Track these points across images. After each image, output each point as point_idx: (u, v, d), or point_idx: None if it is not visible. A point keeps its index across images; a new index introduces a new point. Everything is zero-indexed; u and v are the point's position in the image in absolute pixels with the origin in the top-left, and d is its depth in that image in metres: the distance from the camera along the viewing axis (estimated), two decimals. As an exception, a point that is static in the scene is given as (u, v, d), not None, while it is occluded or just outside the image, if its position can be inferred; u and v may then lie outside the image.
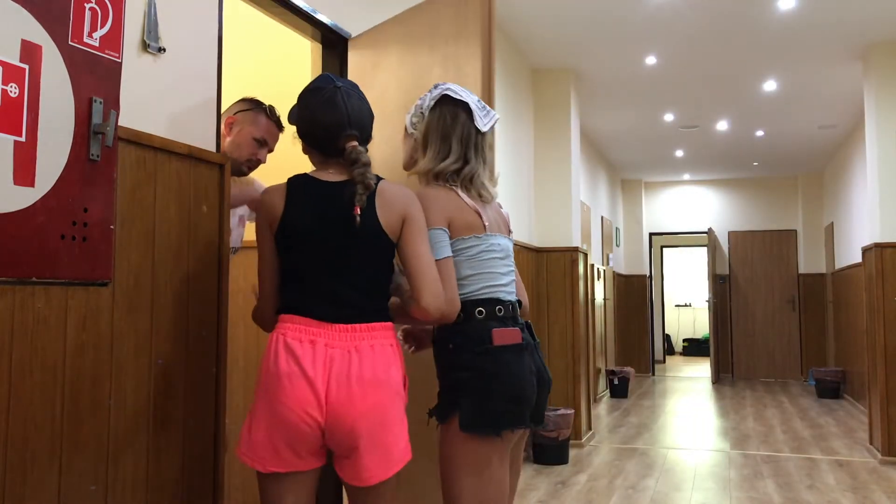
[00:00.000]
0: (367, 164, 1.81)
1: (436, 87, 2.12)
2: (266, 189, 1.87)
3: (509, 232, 2.16)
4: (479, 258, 1.99)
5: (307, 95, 1.89)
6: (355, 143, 1.84)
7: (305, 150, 1.94)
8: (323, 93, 1.86)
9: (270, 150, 2.59)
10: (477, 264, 1.99)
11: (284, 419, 1.67)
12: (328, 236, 1.77)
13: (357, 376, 1.68)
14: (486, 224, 2.02)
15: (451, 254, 1.94)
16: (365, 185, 1.78)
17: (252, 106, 2.54)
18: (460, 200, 2.01)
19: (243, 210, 2.61)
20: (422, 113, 2.11)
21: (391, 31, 2.92)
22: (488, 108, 2.15)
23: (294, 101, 2.68)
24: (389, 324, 1.80)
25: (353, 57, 3.08)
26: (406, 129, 2.16)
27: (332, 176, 1.84)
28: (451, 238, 1.97)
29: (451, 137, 2.06)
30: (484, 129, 2.09)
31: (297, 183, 1.84)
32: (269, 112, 2.55)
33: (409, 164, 2.17)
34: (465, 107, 2.08)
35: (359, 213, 1.75)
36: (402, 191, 1.87)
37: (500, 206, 2.20)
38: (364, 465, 1.68)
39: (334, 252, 1.77)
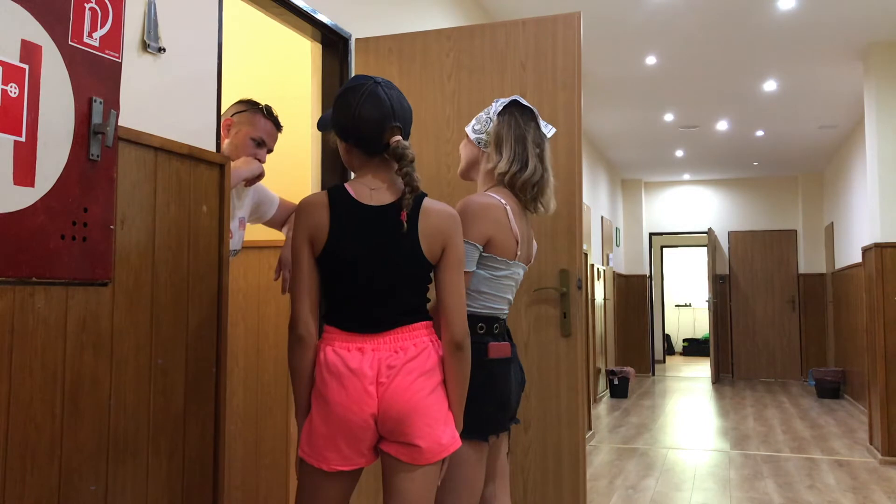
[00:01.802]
0: (413, 161, 1.79)
1: (497, 101, 2.16)
2: (307, 200, 1.81)
3: (529, 262, 2.20)
4: (500, 282, 2.05)
5: (346, 94, 1.84)
6: (399, 136, 1.82)
7: (346, 151, 1.89)
8: (363, 88, 1.82)
9: (270, 151, 2.58)
10: (496, 286, 2.05)
11: (343, 419, 1.72)
12: (372, 264, 1.77)
13: (404, 368, 1.73)
14: (518, 253, 2.07)
15: (472, 269, 1.99)
16: (412, 186, 1.77)
17: (248, 107, 2.53)
18: (507, 221, 2.03)
19: (244, 213, 2.61)
20: (488, 118, 2.14)
21: (435, 43, 3.03)
22: (545, 122, 2.21)
23: (294, 101, 2.67)
24: (429, 322, 1.83)
25: (366, 58, 3.11)
26: (467, 135, 2.19)
27: (376, 195, 1.81)
28: (485, 252, 2.01)
29: (526, 141, 2.10)
30: (548, 136, 2.16)
31: (341, 203, 1.79)
32: (266, 112, 2.53)
33: (467, 172, 2.20)
34: (532, 113, 2.14)
35: (405, 218, 1.76)
36: (445, 215, 1.83)
37: (532, 237, 2.24)
38: (419, 447, 1.74)
39: (377, 278, 1.77)
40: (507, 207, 2.04)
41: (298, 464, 1.82)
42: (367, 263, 1.77)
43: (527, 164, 2.08)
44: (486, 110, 2.19)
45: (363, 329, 1.76)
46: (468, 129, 2.19)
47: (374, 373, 1.72)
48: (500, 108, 2.13)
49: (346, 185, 1.83)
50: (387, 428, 1.74)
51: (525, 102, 2.15)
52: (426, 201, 1.82)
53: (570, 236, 2.84)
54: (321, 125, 1.97)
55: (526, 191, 2.09)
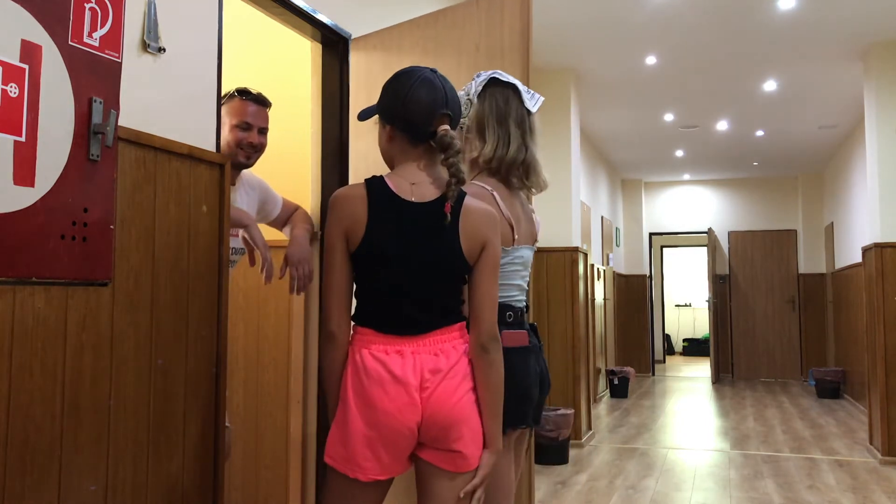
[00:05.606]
0: (460, 152, 1.74)
1: (478, 75, 2.05)
2: (343, 192, 1.76)
3: (534, 241, 2.12)
4: (502, 269, 1.96)
5: (399, 78, 1.80)
6: (448, 125, 1.77)
7: (389, 138, 1.81)
8: (417, 74, 1.78)
9: (263, 130, 2.54)
10: (500, 275, 1.96)
11: (386, 426, 1.67)
12: (411, 263, 1.72)
13: (447, 371, 1.69)
14: (516, 237, 1.98)
15: None
16: (458, 178, 1.71)
17: (226, 98, 2.50)
18: (496, 207, 1.95)
19: (251, 213, 2.60)
20: (469, 100, 2.04)
21: (408, 34, 2.95)
22: (532, 91, 2.09)
23: (294, 101, 2.65)
24: (463, 324, 1.79)
25: (357, 57, 3.09)
26: None
27: (417, 190, 1.75)
28: None
29: (508, 121, 2.00)
30: (533, 109, 2.04)
31: (380, 197, 1.73)
32: (240, 94, 2.51)
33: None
34: (514, 88, 2.03)
35: (449, 210, 1.70)
36: (484, 214, 1.77)
37: (534, 212, 2.16)
38: (462, 454, 1.69)
39: (415, 277, 1.72)
40: (494, 193, 1.97)
41: (328, 472, 1.76)
42: (405, 262, 1.71)
43: (510, 143, 1.99)
44: (464, 89, 2.07)
45: (401, 331, 1.70)
46: None
47: (417, 380, 1.67)
48: (480, 88, 2.03)
49: (385, 177, 1.77)
50: (430, 435, 1.69)
51: (505, 78, 2.02)
52: (467, 199, 1.77)
53: None
54: (362, 115, 1.89)
55: (511, 174, 2.00)
